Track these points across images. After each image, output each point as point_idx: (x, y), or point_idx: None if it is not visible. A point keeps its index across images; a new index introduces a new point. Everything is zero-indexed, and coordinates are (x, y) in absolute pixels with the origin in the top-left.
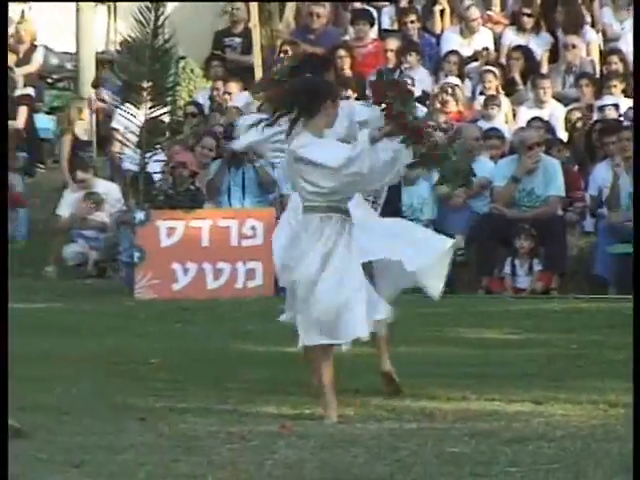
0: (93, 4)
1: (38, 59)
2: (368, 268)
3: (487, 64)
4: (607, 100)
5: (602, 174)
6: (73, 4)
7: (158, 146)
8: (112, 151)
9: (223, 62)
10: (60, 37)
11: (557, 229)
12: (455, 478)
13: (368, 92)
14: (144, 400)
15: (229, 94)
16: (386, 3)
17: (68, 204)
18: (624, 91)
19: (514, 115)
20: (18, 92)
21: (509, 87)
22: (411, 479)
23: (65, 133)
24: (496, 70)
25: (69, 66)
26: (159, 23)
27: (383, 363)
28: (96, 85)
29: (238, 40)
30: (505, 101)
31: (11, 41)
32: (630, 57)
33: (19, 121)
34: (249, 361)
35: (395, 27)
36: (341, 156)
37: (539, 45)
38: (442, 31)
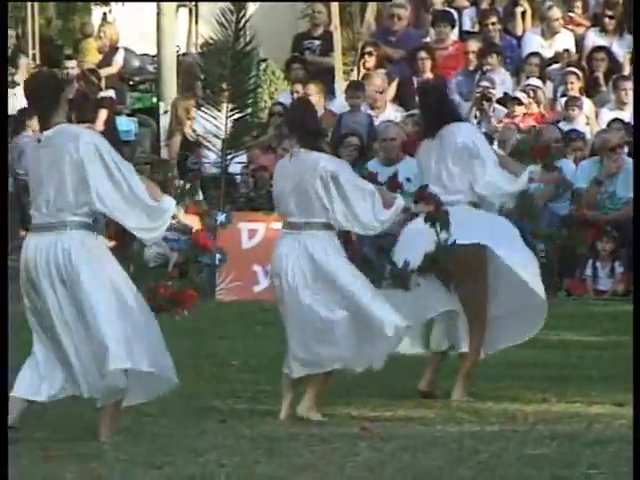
0: (174, 6)
1: (119, 61)
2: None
3: (568, 66)
4: None
5: None
6: (154, 7)
7: (242, 147)
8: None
9: (304, 64)
10: (142, 39)
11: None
12: None
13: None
14: (225, 402)
15: (309, 96)
16: (467, 5)
17: None
18: None
19: (596, 117)
20: (101, 94)
21: (591, 89)
22: None
23: (174, 134)
24: (579, 72)
25: (150, 68)
26: (240, 25)
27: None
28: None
29: (317, 42)
30: (587, 103)
31: (95, 43)
32: None
33: (98, 123)
34: None
35: (476, 29)
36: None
37: (621, 47)
38: (523, 33)
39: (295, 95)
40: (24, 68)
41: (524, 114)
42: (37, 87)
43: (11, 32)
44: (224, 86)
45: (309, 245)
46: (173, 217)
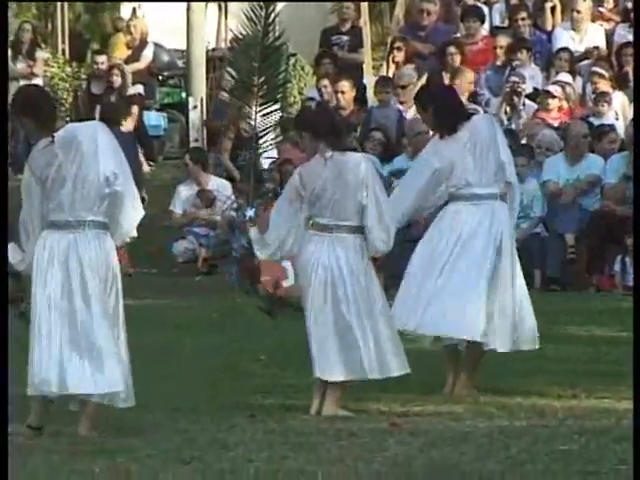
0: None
1: (148, 56)
2: None
3: (598, 62)
4: None
5: None
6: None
7: (271, 143)
8: (222, 148)
9: (334, 59)
10: (171, 34)
11: None
12: (565, 476)
13: (478, 89)
14: (254, 397)
15: (342, 93)
16: (497, 0)
17: (182, 201)
18: None
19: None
20: (130, 91)
21: (621, 83)
22: (521, 477)
23: (226, 131)
24: (604, 71)
25: (180, 63)
26: (270, 20)
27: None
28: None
29: (345, 38)
30: (618, 97)
31: (124, 38)
32: None
33: (130, 121)
34: None
35: (506, 24)
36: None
37: None
38: (553, 28)
39: (323, 90)
40: (41, 61)
41: (555, 107)
42: (37, 98)
43: (27, 26)
44: (254, 81)
45: (339, 249)
46: None
